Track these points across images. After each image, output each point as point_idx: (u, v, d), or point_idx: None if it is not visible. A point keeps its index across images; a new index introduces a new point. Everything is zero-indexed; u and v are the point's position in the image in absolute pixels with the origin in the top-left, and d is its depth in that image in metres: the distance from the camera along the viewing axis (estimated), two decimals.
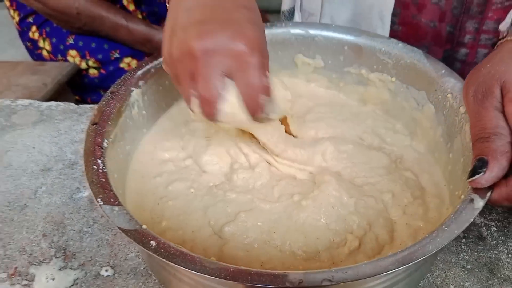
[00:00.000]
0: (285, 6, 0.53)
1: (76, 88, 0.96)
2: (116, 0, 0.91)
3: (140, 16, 0.95)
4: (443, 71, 0.38)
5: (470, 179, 0.28)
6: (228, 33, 0.29)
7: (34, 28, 0.95)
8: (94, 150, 0.32)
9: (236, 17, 0.31)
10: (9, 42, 1.26)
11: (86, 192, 0.42)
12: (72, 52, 0.92)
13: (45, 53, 0.95)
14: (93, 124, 0.34)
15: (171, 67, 0.31)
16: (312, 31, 0.44)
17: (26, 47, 1.01)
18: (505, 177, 0.28)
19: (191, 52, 0.29)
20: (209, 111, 0.31)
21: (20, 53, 1.17)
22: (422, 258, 0.24)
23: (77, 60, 0.92)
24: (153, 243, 0.25)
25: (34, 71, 0.88)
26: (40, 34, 0.94)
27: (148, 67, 0.40)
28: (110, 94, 0.37)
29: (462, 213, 0.26)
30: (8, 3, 0.98)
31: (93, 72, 0.93)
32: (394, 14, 0.47)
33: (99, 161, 0.31)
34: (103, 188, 0.29)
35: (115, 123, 0.36)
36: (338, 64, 0.45)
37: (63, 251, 0.37)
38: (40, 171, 0.44)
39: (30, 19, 0.95)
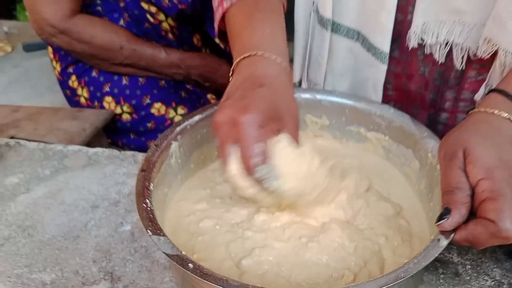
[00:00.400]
0: (295, 79, 0.63)
1: (108, 131, 1.06)
2: (186, 39, 1.05)
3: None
4: (425, 134, 0.46)
5: (437, 223, 0.35)
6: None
7: (74, 77, 1.06)
8: (143, 192, 0.41)
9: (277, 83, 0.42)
10: (47, 88, 1.38)
11: (128, 226, 0.50)
12: (108, 99, 1.03)
13: (82, 100, 1.06)
14: (142, 171, 0.43)
15: (218, 129, 0.40)
16: (319, 96, 0.53)
17: (65, 94, 1.12)
18: (465, 222, 0.35)
19: (235, 121, 0.38)
20: (247, 166, 0.38)
21: (57, 98, 1.28)
22: (396, 283, 0.32)
23: (112, 105, 1.03)
24: (190, 265, 0.33)
25: (74, 117, 0.98)
26: (79, 83, 1.05)
27: (184, 124, 0.49)
28: (155, 146, 0.46)
29: (430, 250, 0.34)
30: (51, 55, 1.11)
31: (126, 117, 1.04)
32: (388, 82, 0.56)
33: (147, 200, 0.40)
34: (151, 222, 0.37)
35: (158, 170, 0.44)
36: (341, 123, 0.54)
37: (110, 275, 0.45)
38: (89, 208, 0.53)
39: (71, 69, 1.06)
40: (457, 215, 0.35)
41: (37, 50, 1.65)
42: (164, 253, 0.35)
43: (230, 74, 0.45)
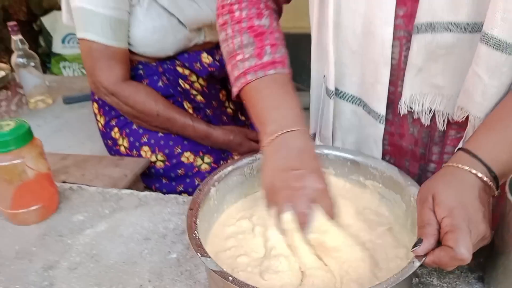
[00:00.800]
0: (311, 131, 0.77)
1: (143, 176, 1.20)
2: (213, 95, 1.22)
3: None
4: (409, 182, 0.59)
5: (412, 250, 0.47)
6: (313, 177, 0.54)
7: (116, 129, 1.22)
8: (192, 225, 0.54)
9: (314, 165, 0.56)
10: (87, 137, 1.53)
11: (175, 254, 0.63)
12: (145, 148, 1.18)
13: (122, 149, 1.22)
14: (190, 209, 0.56)
15: (272, 193, 0.55)
16: (326, 151, 0.67)
17: (106, 144, 1.28)
18: (433, 249, 0.47)
19: (290, 186, 0.53)
20: (303, 222, 0.53)
21: (96, 146, 1.44)
22: None
23: (148, 154, 1.18)
24: (230, 278, 0.46)
25: (116, 164, 1.13)
26: (121, 134, 1.21)
27: (220, 173, 0.63)
28: (198, 191, 0.59)
29: (406, 270, 0.46)
30: (96, 110, 1.27)
31: (159, 164, 1.18)
32: (384, 139, 0.70)
33: (196, 232, 0.53)
34: (200, 248, 0.50)
35: (201, 209, 0.58)
36: (344, 173, 0.67)
37: None
38: (142, 240, 0.66)
39: (113, 122, 1.23)
40: (427, 244, 0.47)
41: (76, 103, 1.82)
42: (211, 269, 0.47)
43: (266, 143, 0.59)
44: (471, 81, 0.56)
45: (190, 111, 1.19)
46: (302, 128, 0.60)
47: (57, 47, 3.12)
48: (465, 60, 0.57)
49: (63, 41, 3.10)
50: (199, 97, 1.19)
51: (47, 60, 3.18)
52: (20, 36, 1.69)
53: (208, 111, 1.21)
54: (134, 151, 1.19)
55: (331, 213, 0.55)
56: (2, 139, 0.66)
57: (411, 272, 0.46)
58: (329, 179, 0.60)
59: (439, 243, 0.48)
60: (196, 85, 1.18)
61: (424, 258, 0.47)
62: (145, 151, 1.18)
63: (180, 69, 1.15)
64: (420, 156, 0.68)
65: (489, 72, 0.54)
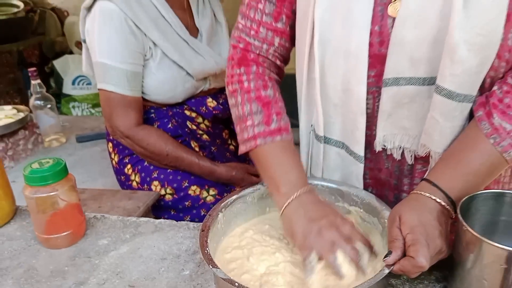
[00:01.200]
0: None
1: (153, 208, 1.32)
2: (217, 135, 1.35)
3: (201, 154, 1.34)
4: (384, 207, 0.71)
5: (383, 260, 0.59)
6: (339, 219, 0.67)
7: (129, 166, 1.34)
8: (203, 244, 0.65)
9: (332, 211, 0.69)
10: (99, 173, 1.65)
11: (188, 271, 0.74)
12: (155, 183, 1.30)
13: (134, 184, 1.34)
14: (202, 231, 0.68)
15: (308, 242, 0.65)
16: (316, 182, 0.79)
17: (119, 179, 1.40)
18: (400, 260, 0.59)
19: (323, 235, 0.65)
20: (355, 259, 0.63)
21: (108, 181, 1.56)
22: None
23: (158, 188, 1.30)
24: (236, 284, 0.57)
25: (130, 197, 1.25)
26: (133, 170, 1.33)
27: (226, 201, 0.75)
28: (208, 215, 0.71)
29: (377, 276, 0.57)
30: (111, 149, 1.40)
31: (168, 197, 1.30)
32: (366, 174, 0.81)
33: (207, 249, 0.64)
34: (211, 261, 0.61)
35: (211, 231, 0.69)
36: (331, 200, 0.79)
37: None
38: (159, 259, 0.77)
39: (127, 160, 1.35)
40: (395, 255, 0.58)
41: (87, 141, 1.96)
42: (220, 277, 0.58)
43: (286, 205, 0.71)
44: (430, 123, 0.69)
45: (197, 149, 1.32)
46: (309, 186, 0.73)
47: (68, 88, 3.29)
48: (424, 106, 0.70)
49: (73, 83, 3.28)
50: (204, 136, 1.33)
51: (57, 100, 3.34)
52: (38, 81, 1.84)
53: (213, 148, 1.34)
54: (145, 186, 1.31)
55: (368, 244, 0.67)
56: (42, 174, 0.78)
57: (381, 277, 0.57)
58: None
59: (405, 255, 0.59)
60: (202, 125, 1.32)
61: (392, 267, 0.58)
62: (155, 185, 1.30)
63: (187, 112, 1.29)
64: (394, 187, 0.80)
65: (443, 116, 0.67)
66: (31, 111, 1.86)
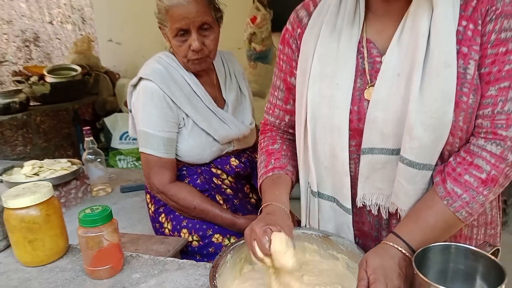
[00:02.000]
0: (302, 224, 1.07)
1: (182, 253, 1.50)
2: (240, 189, 1.55)
3: (225, 207, 1.53)
4: (363, 255, 0.86)
5: None
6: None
7: (163, 215, 1.55)
8: (212, 277, 0.82)
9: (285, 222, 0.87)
10: (138, 221, 1.85)
11: None
12: (184, 230, 1.49)
13: (166, 231, 1.53)
14: (212, 268, 0.85)
15: (247, 234, 0.85)
16: (310, 232, 0.96)
17: (154, 226, 1.60)
18: None
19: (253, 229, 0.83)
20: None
21: (146, 228, 1.75)
22: None
23: (186, 235, 1.48)
24: None
25: (162, 242, 1.44)
26: (166, 219, 1.53)
27: (235, 245, 0.92)
28: (219, 256, 0.89)
29: None
30: (148, 200, 1.61)
31: (194, 243, 1.48)
32: (353, 225, 0.97)
33: (214, 281, 0.81)
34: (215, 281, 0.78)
35: (220, 268, 0.86)
36: (323, 247, 0.95)
37: None
38: None
39: (161, 210, 1.55)
40: None
41: (130, 192, 2.19)
42: None
43: (259, 211, 0.91)
44: (397, 186, 0.86)
45: (221, 202, 1.51)
46: (279, 204, 0.93)
47: (115, 143, 3.62)
48: (394, 171, 0.87)
49: (120, 138, 3.60)
50: (228, 191, 1.52)
51: (105, 153, 3.66)
52: (91, 138, 2.12)
53: (235, 201, 1.53)
54: (176, 233, 1.50)
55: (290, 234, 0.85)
56: (92, 218, 0.98)
57: None
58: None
59: None
60: (226, 181, 1.52)
61: None
62: (184, 232, 1.49)
63: (214, 170, 1.50)
64: (375, 238, 0.95)
65: (406, 180, 0.84)
66: (83, 164, 2.13)
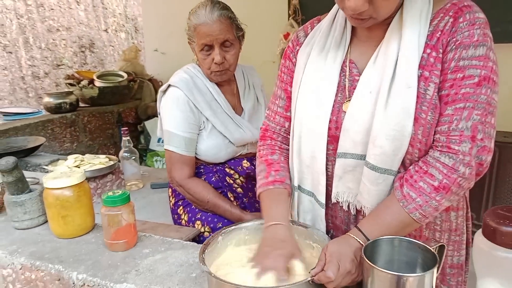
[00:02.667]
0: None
1: (193, 241, 1.67)
2: (250, 189, 1.70)
3: (235, 203, 1.70)
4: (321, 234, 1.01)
5: (309, 272, 0.88)
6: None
7: (181, 208, 1.74)
8: (201, 252, 0.99)
9: (291, 249, 0.99)
10: (161, 214, 2.06)
11: (194, 274, 1.08)
12: (198, 222, 1.67)
13: (183, 222, 1.72)
14: (204, 245, 1.02)
15: (259, 258, 0.96)
16: (292, 224, 1.11)
17: (173, 218, 1.80)
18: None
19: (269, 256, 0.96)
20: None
21: (168, 220, 1.96)
22: None
23: (199, 226, 1.66)
24: (213, 275, 0.90)
25: (177, 230, 1.63)
26: (184, 211, 1.72)
27: (226, 229, 1.09)
28: (212, 237, 1.05)
29: (302, 280, 0.87)
30: (170, 193, 1.81)
31: (206, 234, 1.65)
32: (328, 220, 1.12)
33: (203, 255, 0.98)
34: (203, 262, 0.95)
35: (210, 246, 1.03)
36: (302, 238, 1.10)
37: None
38: (178, 265, 1.12)
39: (180, 203, 1.75)
40: (316, 269, 0.88)
41: (159, 188, 2.41)
42: (208, 272, 0.92)
43: (264, 230, 1.05)
44: (362, 186, 1.00)
45: (232, 199, 1.68)
46: (285, 222, 1.04)
47: (153, 145, 3.88)
48: (361, 174, 1.01)
49: (158, 141, 3.86)
50: (239, 189, 1.69)
51: (144, 154, 3.94)
52: (128, 137, 2.35)
53: (245, 199, 1.70)
54: (191, 224, 1.69)
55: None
56: (112, 199, 1.18)
57: (303, 281, 0.87)
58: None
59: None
60: (238, 181, 1.69)
61: (313, 277, 0.88)
62: (198, 224, 1.67)
63: (227, 170, 1.68)
64: (344, 230, 1.09)
65: (369, 182, 0.98)
66: (119, 161, 2.36)
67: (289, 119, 1.21)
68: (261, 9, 4.06)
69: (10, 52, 5.96)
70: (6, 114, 3.53)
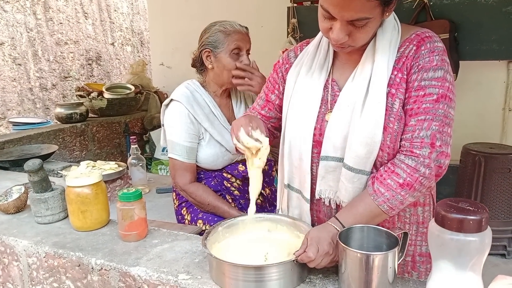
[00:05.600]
0: (277, 207, 1.40)
1: None
2: (246, 191, 1.87)
3: (233, 205, 1.87)
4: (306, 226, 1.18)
5: (294, 253, 1.06)
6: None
7: (184, 209, 1.92)
8: (204, 238, 1.17)
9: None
10: (166, 215, 2.24)
11: (197, 259, 1.25)
12: (200, 221, 1.85)
13: (186, 221, 1.89)
14: (206, 233, 1.20)
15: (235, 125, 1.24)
16: (282, 217, 1.29)
17: (177, 218, 1.97)
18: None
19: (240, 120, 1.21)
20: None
21: (173, 220, 2.14)
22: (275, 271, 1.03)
23: (201, 225, 1.84)
24: (213, 255, 1.08)
25: (181, 228, 1.79)
26: (187, 212, 1.90)
27: (225, 222, 1.27)
28: (213, 227, 1.23)
29: (286, 260, 1.05)
30: (174, 196, 1.99)
31: None
32: (314, 213, 1.30)
33: (205, 241, 1.15)
34: (206, 246, 1.13)
35: (211, 235, 1.21)
36: (290, 229, 1.27)
37: (188, 272, 1.19)
38: (184, 252, 1.29)
39: (183, 204, 1.92)
40: (300, 251, 1.05)
41: (164, 193, 2.59)
42: (208, 254, 1.09)
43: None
44: (341, 184, 1.18)
45: (230, 201, 1.86)
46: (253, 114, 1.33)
47: (158, 154, 4.07)
48: (340, 174, 1.19)
49: (162, 150, 4.05)
50: (236, 192, 1.87)
51: (149, 162, 4.12)
52: (136, 145, 2.54)
53: (241, 201, 1.87)
54: (193, 223, 1.87)
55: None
56: (127, 195, 1.36)
57: (288, 261, 1.04)
58: None
59: None
60: (235, 184, 1.87)
61: (297, 257, 1.05)
62: (200, 223, 1.85)
63: (225, 174, 1.86)
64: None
65: (346, 180, 1.16)
66: (127, 167, 2.55)
67: (261, 115, 1.45)
68: (262, 27, 4.29)
69: (19, 64, 6.19)
70: (15, 124, 3.73)
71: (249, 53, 1.85)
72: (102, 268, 1.27)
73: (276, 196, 1.51)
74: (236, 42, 1.80)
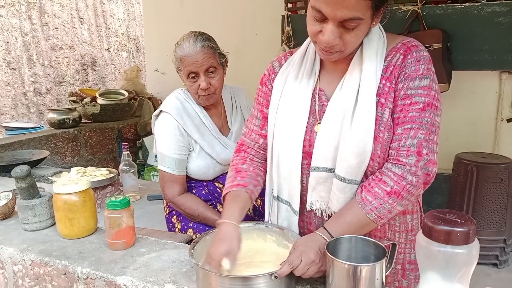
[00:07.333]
0: (265, 219, 1.39)
1: None
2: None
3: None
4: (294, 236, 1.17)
5: (280, 264, 1.05)
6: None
7: (175, 217, 1.90)
8: (191, 247, 1.16)
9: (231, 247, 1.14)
10: (157, 222, 2.23)
11: (185, 268, 1.24)
12: (190, 230, 1.83)
13: (177, 230, 1.88)
14: (194, 242, 1.19)
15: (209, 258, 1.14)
16: (271, 226, 1.27)
17: (168, 226, 1.95)
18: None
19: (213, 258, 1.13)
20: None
21: (162, 228, 2.12)
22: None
23: (191, 233, 1.82)
24: (199, 264, 1.06)
25: (171, 236, 1.78)
26: (177, 220, 1.88)
27: (212, 231, 1.26)
28: (200, 236, 1.22)
29: (271, 273, 1.04)
30: (164, 205, 1.98)
31: None
32: (304, 225, 1.28)
33: (192, 250, 1.14)
34: (192, 256, 1.12)
35: (199, 244, 1.20)
36: (279, 238, 1.26)
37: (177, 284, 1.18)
38: (171, 261, 1.28)
39: (173, 213, 1.91)
40: (286, 264, 1.04)
41: (155, 200, 2.57)
42: (195, 264, 1.08)
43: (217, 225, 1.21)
44: (332, 195, 1.17)
45: (221, 209, 1.84)
46: (232, 221, 1.17)
47: (151, 160, 4.05)
48: (332, 184, 1.18)
49: (155, 156, 4.03)
50: None
51: (142, 169, 4.10)
52: (128, 152, 2.53)
53: None
54: (183, 231, 1.85)
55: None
56: (115, 203, 1.35)
57: (272, 272, 1.03)
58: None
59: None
60: None
61: (281, 269, 1.04)
62: (190, 232, 1.83)
63: (216, 184, 1.85)
64: None
65: (338, 191, 1.15)
66: (119, 173, 2.53)
67: (263, 136, 1.39)
68: (257, 35, 4.29)
69: (13, 69, 6.17)
70: (8, 128, 3.71)
71: (211, 71, 1.79)
72: (88, 277, 1.25)
73: None
74: (187, 68, 1.77)
